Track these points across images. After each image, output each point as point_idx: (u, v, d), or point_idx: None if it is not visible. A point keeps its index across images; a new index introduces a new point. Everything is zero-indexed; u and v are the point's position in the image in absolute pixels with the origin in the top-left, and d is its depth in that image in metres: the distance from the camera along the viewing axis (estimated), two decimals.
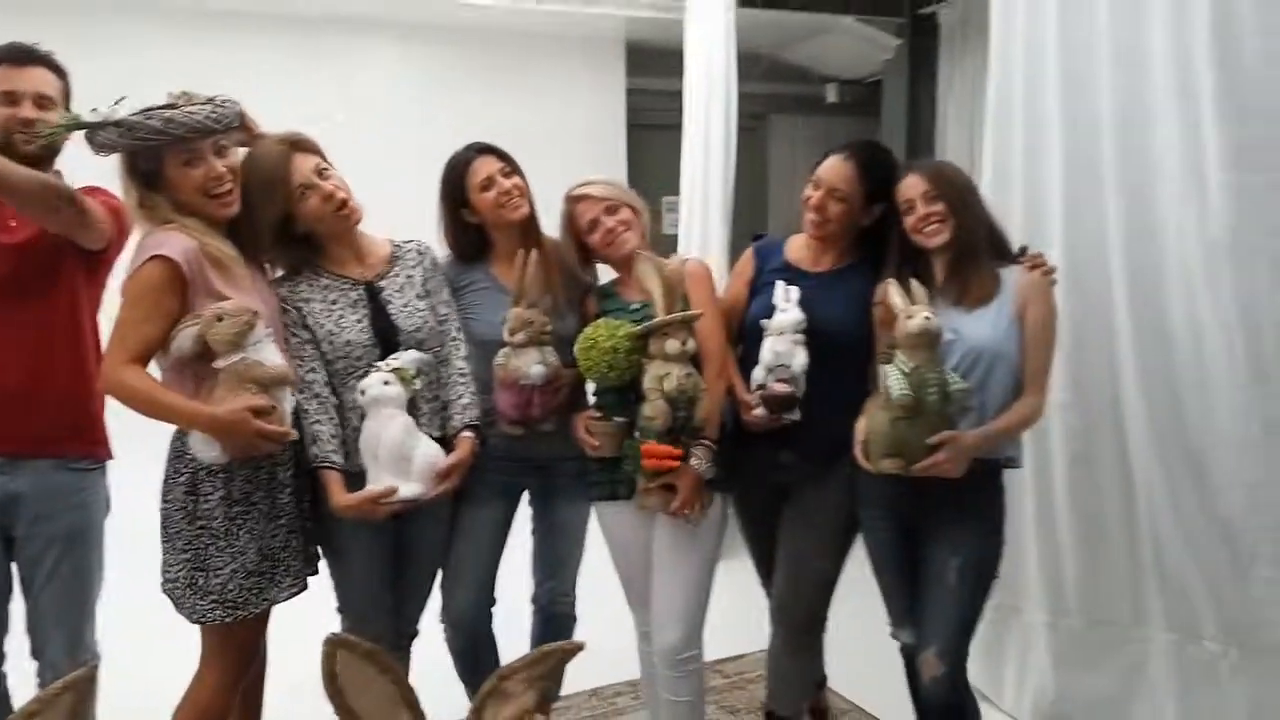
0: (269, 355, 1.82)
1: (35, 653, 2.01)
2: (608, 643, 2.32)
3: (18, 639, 2.04)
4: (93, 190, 1.96)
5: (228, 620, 1.84)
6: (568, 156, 4.70)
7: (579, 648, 1.77)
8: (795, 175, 2.25)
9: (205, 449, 1.77)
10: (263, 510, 1.87)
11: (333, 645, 1.53)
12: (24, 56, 1.94)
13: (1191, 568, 2.27)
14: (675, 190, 4.22)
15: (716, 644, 2.54)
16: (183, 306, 1.78)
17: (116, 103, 1.80)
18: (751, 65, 5.12)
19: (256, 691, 2.15)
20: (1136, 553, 2.38)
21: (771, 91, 5.54)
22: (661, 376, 1.98)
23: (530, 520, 2.34)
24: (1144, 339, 2.29)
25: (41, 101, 1.92)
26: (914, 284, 1.91)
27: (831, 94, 5.54)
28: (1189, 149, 2.15)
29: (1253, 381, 2.11)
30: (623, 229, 2.15)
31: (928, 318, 1.84)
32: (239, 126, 1.93)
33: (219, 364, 1.77)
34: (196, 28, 4.14)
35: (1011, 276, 1.99)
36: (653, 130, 4.95)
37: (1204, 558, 2.25)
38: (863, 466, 1.94)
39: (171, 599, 1.88)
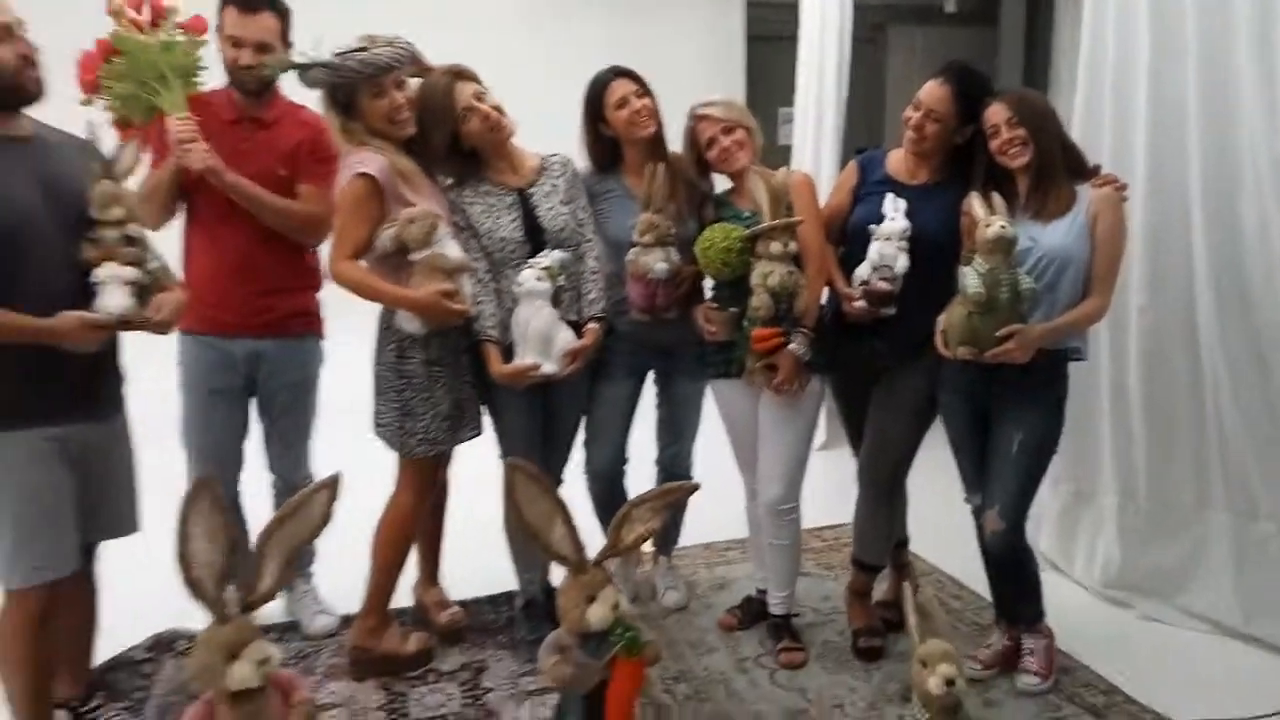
0: (451, 249, 2.26)
1: (271, 468, 2.65)
2: (720, 506, 2.75)
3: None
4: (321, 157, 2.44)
5: (430, 454, 2.36)
6: (689, 69, 4.96)
7: (695, 488, 2.20)
8: (913, 86, 2.46)
9: (409, 323, 2.26)
10: (452, 369, 2.36)
11: (511, 468, 1.99)
12: (252, 3, 2.35)
13: (1250, 454, 2.51)
14: (791, 101, 4.38)
15: (817, 513, 2.93)
16: (382, 211, 2.23)
17: (317, 45, 2.25)
18: None
19: (438, 517, 2.71)
20: (1202, 441, 2.62)
21: (890, 2, 5.61)
22: (766, 274, 2.32)
23: (655, 396, 2.75)
24: (1217, 246, 2.49)
25: (262, 48, 2.35)
26: (995, 197, 2.18)
27: (950, 4, 5.56)
28: (1263, 72, 2.31)
29: None
30: (736, 148, 2.44)
31: (1003, 226, 2.11)
32: (413, 62, 2.34)
33: (413, 257, 2.22)
34: None
35: (1086, 192, 2.23)
36: (771, 41, 5.11)
37: (1263, 445, 2.48)
38: (942, 354, 2.25)
39: (383, 439, 2.41)
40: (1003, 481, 2.29)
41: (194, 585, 1.81)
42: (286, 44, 2.41)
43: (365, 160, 2.23)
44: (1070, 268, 2.21)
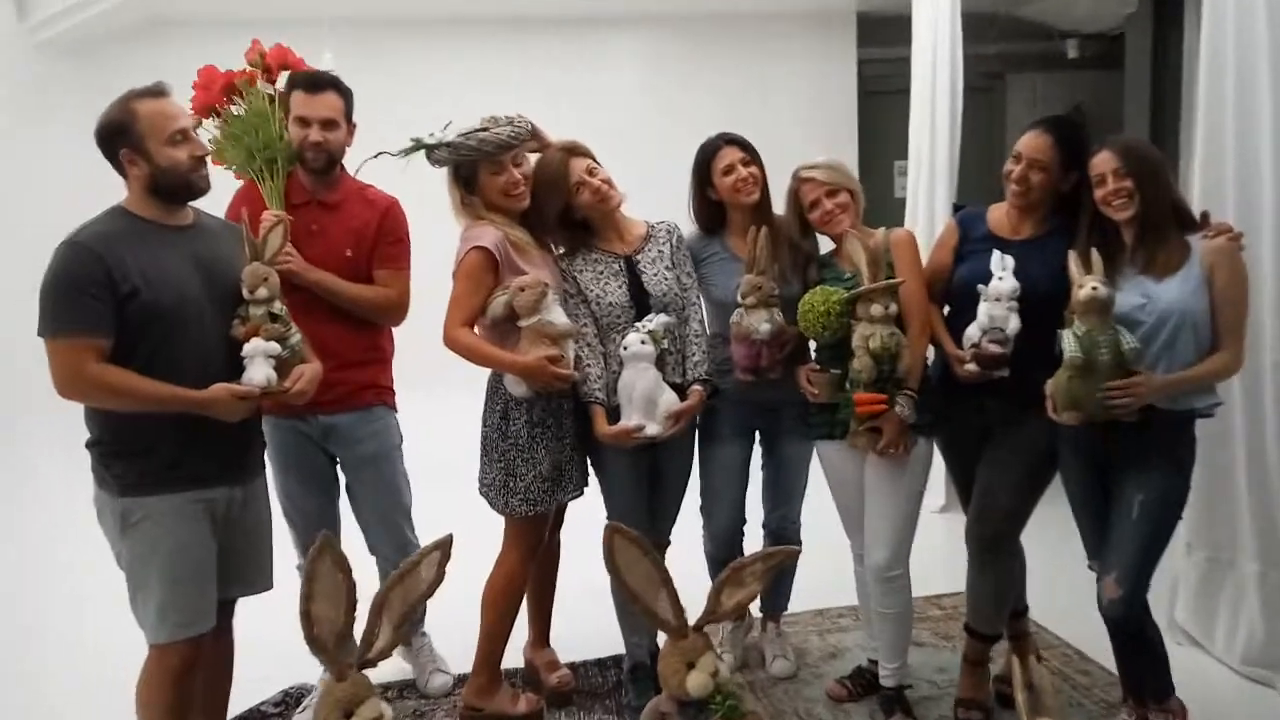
0: (558, 316, 2.36)
1: (371, 549, 2.68)
2: (832, 571, 2.72)
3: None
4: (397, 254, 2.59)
5: (530, 514, 2.45)
6: (804, 126, 5.04)
7: (796, 553, 2.21)
8: None
9: (515, 386, 2.38)
10: (554, 432, 2.45)
11: (610, 531, 2.05)
12: (316, 84, 2.48)
13: None
14: (906, 154, 4.38)
15: (935, 580, 2.86)
16: (496, 281, 2.37)
17: (445, 127, 2.43)
18: (985, 26, 5.17)
19: (549, 579, 2.80)
20: None
21: (1008, 51, 5.52)
22: (867, 336, 2.31)
23: (761, 457, 2.76)
24: None
25: (327, 125, 2.49)
26: (1094, 254, 2.12)
27: (1072, 49, 5.44)
28: None
29: None
30: (839, 211, 2.46)
31: (1095, 287, 2.06)
32: (531, 137, 2.48)
33: (522, 323, 2.34)
34: (461, 38, 4.77)
35: (1199, 244, 2.15)
36: (884, 96, 5.12)
37: None
38: (1052, 419, 2.19)
39: (486, 499, 2.51)
40: (1122, 545, 2.19)
41: (315, 642, 1.93)
42: (350, 123, 2.55)
43: (481, 234, 2.39)
44: (1187, 324, 2.13)
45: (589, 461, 2.60)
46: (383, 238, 2.57)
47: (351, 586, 1.95)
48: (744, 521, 2.72)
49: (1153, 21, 4.68)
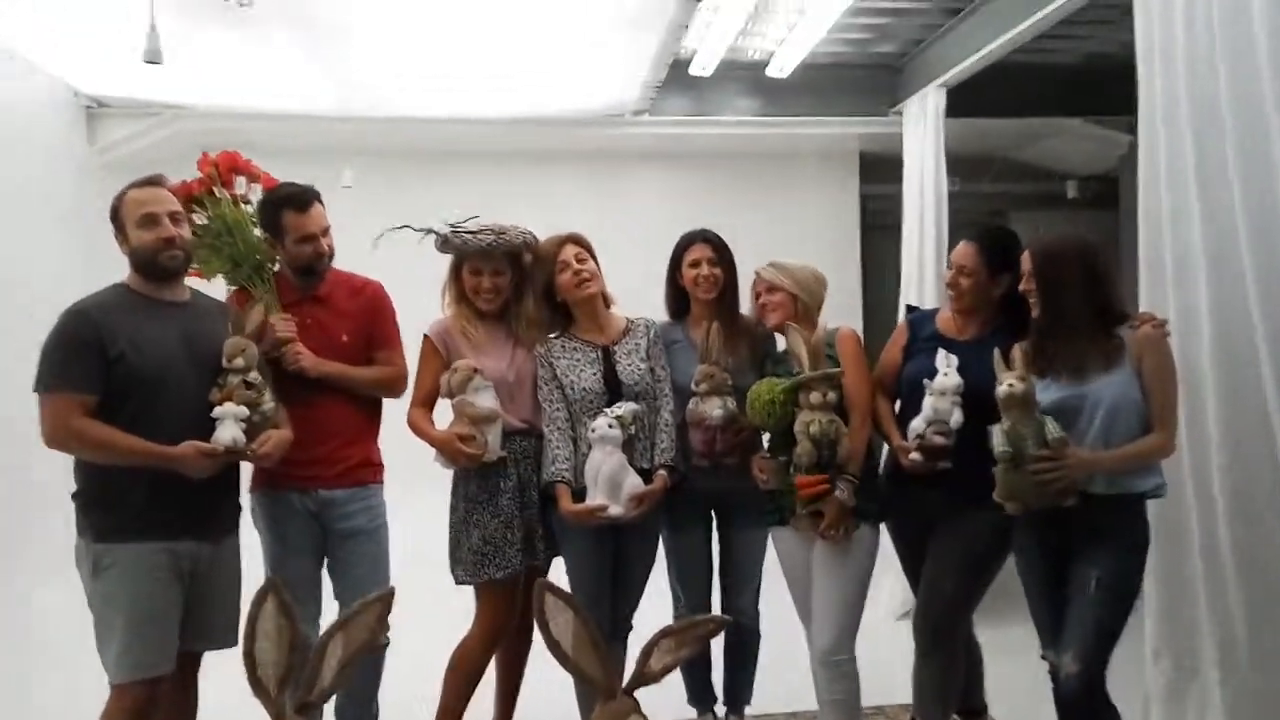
0: (481, 400, 2.58)
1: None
2: (805, 673, 2.71)
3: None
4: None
5: (466, 582, 2.61)
6: (811, 253, 5.23)
7: (725, 622, 2.25)
8: None
9: (437, 460, 2.61)
10: (486, 507, 2.60)
11: (541, 587, 2.13)
12: (303, 200, 2.60)
13: None
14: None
15: (896, 687, 2.83)
16: (447, 362, 2.63)
17: (466, 219, 2.70)
18: (985, 167, 5.45)
19: (517, 663, 2.84)
20: None
21: (1011, 190, 5.76)
22: (808, 422, 2.44)
23: (718, 544, 2.84)
24: None
25: (327, 232, 2.65)
26: (1015, 351, 2.25)
27: (1072, 190, 5.67)
28: None
29: None
30: (773, 308, 2.65)
31: (1010, 384, 2.20)
32: (525, 249, 2.71)
33: (452, 402, 2.58)
34: (491, 167, 5.13)
35: (1127, 335, 2.26)
36: (887, 230, 5.36)
37: None
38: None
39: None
40: (1080, 623, 2.21)
41: (256, 684, 2.02)
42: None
43: (433, 324, 2.71)
44: (1120, 414, 2.22)
45: (555, 540, 2.69)
46: (376, 321, 2.75)
47: (296, 631, 2.05)
48: (710, 600, 2.79)
49: None
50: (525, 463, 2.65)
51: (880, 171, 5.37)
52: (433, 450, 2.63)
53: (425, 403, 2.67)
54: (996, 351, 2.27)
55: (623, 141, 5.18)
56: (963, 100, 4.46)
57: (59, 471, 2.44)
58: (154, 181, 2.37)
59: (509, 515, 2.62)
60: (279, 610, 2.04)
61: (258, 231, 2.68)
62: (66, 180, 4.56)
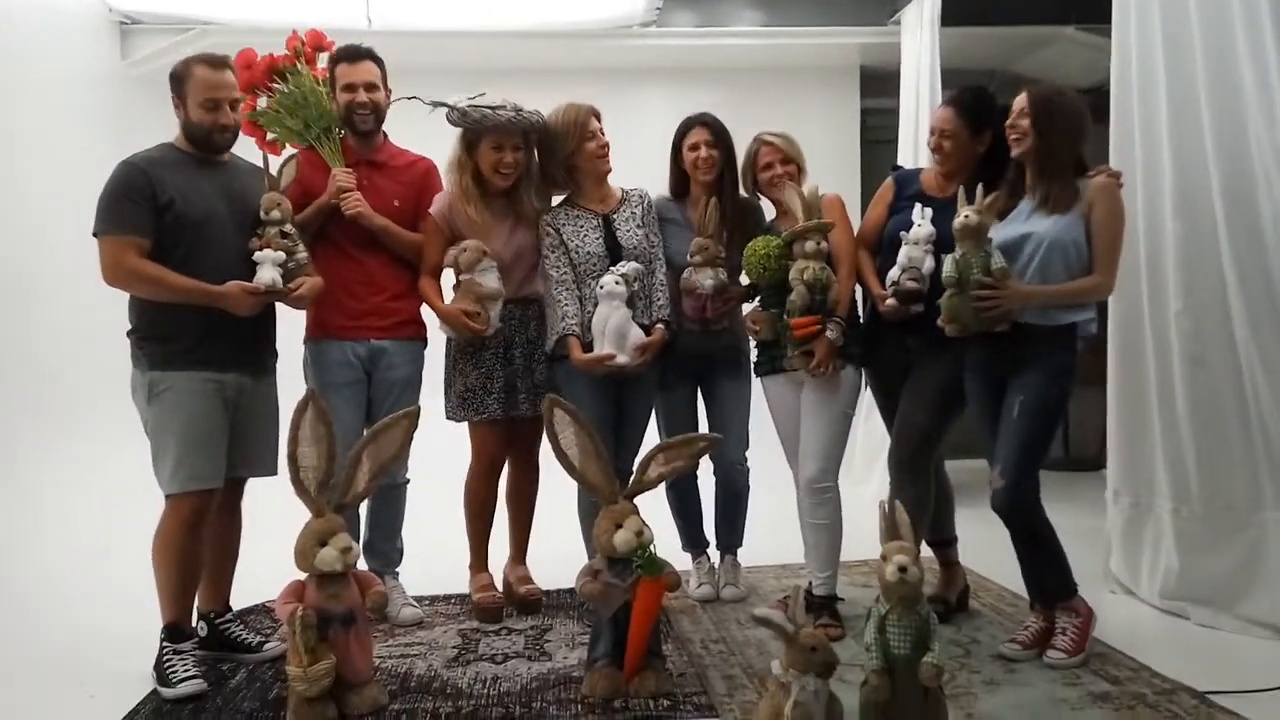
0: (487, 279, 2.81)
1: None
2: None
3: None
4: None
5: (451, 418, 2.93)
6: (812, 169, 5.41)
7: (715, 440, 2.50)
8: None
9: (441, 328, 2.88)
10: (470, 359, 2.89)
11: (550, 403, 2.38)
12: (356, 55, 2.89)
13: None
14: None
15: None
16: (448, 240, 2.86)
17: (476, 95, 2.83)
18: (985, 80, 5.57)
19: (522, 503, 3.11)
20: (1249, 441, 2.65)
21: (1007, 105, 5.88)
22: (802, 269, 2.65)
23: (704, 403, 3.10)
24: (1240, 245, 2.62)
25: (370, 88, 2.87)
26: (978, 190, 2.46)
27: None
28: (1259, 72, 2.54)
29: None
30: (787, 177, 2.83)
31: (967, 215, 2.43)
32: (536, 131, 2.87)
33: (459, 279, 2.81)
34: (504, 84, 5.27)
35: (1084, 184, 2.45)
36: (886, 145, 5.51)
37: None
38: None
39: None
40: (1006, 442, 2.44)
41: (298, 484, 2.28)
42: (387, 87, 2.96)
43: (438, 200, 2.92)
44: (1058, 251, 2.42)
45: (537, 395, 2.86)
46: (425, 193, 2.98)
47: (333, 437, 2.31)
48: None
49: None
50: (510, 323, 2.89)
51: (880, 85, 5.51)
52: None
53: (433, 273, 2.91)
54: (961, 187, 2.48)
55: (630, 55, 5.32)
56: (959, 7, 4.60)
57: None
58: (223, 64, 2.56)
59: (490, 368, 2.89)
60: (318, 418, 2.30)
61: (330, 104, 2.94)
62: (99, 94, 4.78)
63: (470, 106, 2.82)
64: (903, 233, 2.66)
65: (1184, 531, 2.79)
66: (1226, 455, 2.70)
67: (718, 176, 2.97)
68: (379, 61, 2.95)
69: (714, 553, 3.22)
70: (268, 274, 2.53)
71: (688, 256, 2.89)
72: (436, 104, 2.86)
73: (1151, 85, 2.89)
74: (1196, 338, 2.74)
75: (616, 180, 3.01)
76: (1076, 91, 5.58)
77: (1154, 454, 2.88)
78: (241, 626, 2.73)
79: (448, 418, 2.94)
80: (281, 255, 2.56)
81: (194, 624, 2.61)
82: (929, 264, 2.61)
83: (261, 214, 2.58)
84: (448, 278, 2.95)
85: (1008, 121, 2.51)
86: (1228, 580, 2.68)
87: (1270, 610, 2.57)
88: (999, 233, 2.49)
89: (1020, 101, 2.49)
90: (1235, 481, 2.69)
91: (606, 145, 2.90)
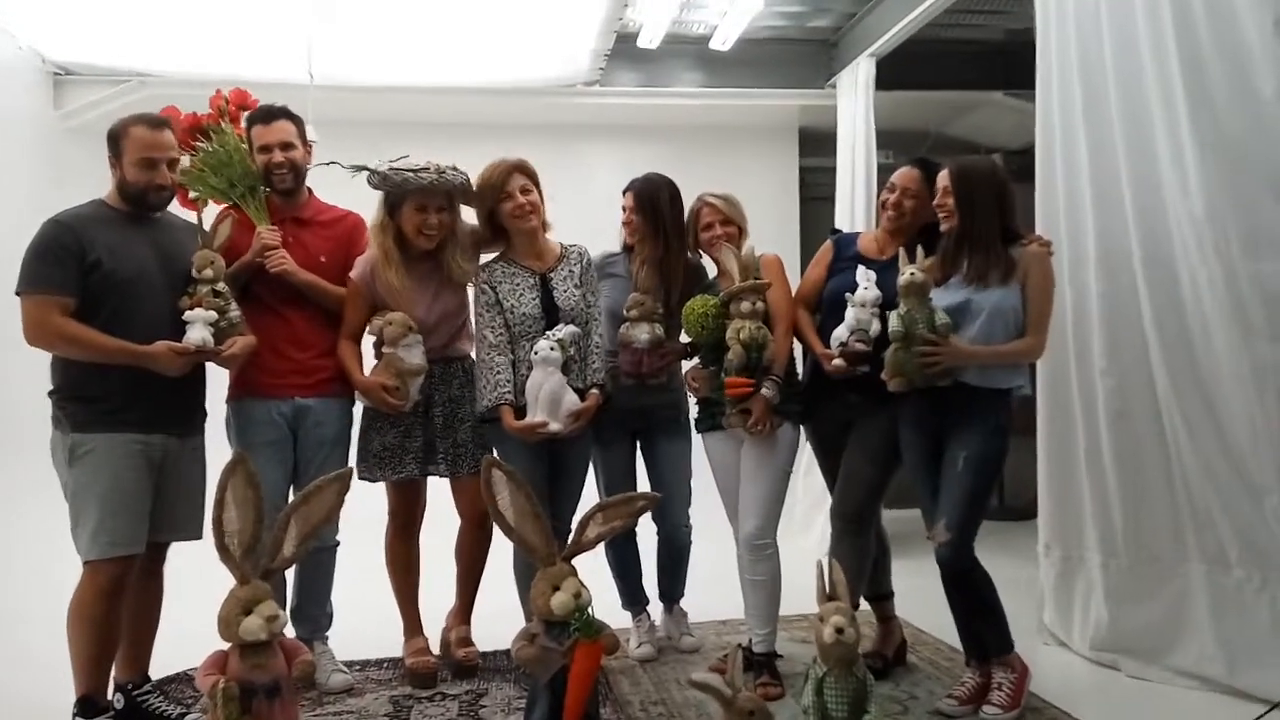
0: (411, 355, 2.77)
1: None
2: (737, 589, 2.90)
3: None
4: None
5: (365, 479, 2.84)
6: (752, 226, 5.50)
7: (655, 499, 2.49)
8: None
9: (360, 396, 2.85)
10: (388, 417, 2.84)
11: (488, 464, 2.35)
12: (270, 115, 2.86)
13: (1215, 503, 2.59)
14: None
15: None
16: (372, 303, 2.82)
17: (399, 159, 2.80)
18: (920, 140, 5.75)
19: (474, 564, 3.00)
20: (1172, 494, 2.72)
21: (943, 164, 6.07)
22: (739, 329, 2.67)
23: (644, 461, 3.11)
24: (1161, 308, 2.71)
25: (286, 147, 2.84)
26: (919, 251, 2.52)
27: (998, 163, 5.97)
28: (1173, 143, 2.65)
29: (1242, 333, 2.50)
30: (726, 238, 2.87)
31: (912, 273, 2.48)
32: (463, 191, 2.85)
33: (384, 350, 2.78)
34: (451, 139, 5.28)
35: (1017, 252, 2.53)
36: (824, 201, 5.64)
37: (1225, 493, 2.57)
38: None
39: None
40: (949, 495, 2.48)
41: (223, 549, 2.21)
42: (306, 144, 2.95)
43: (359, 263, 2.85)
44: (999, 319, 2.49)
45: (459, 457, 2.87)
46: (352, 248, 2.95)
47: (260, 501, 2.25)
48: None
49: None
50: (429, 381, 2.84)
51: (818, 145, 5.66)
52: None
53: (352, 337, 2.86)
54: (903, 249, 2.54)
55: (574, 113, 5.40)
56: (893, 74, 4.77)
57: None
58: (162, 124, 2.54)
59: (409, 426, 2.85)
60: (246, 481, 2.23)
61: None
62: (32, 145, 4.70)
63: (391, 170, 2.77)
64: (848, 294, 2.69)
65: (1113, 583, 2.85)
66: (1151, 508, 2.77)
67: (649, 238, 2.99)
68: (295, 119, 2.92)
69: (655, 609, 3.20)
70: (197, 334, 2.48)
71: (625, 310, 2.91)
72: (358, 168, 2.84)
73: (1073, 151, 3.01)
74: (1120, 394, 2.82)
75: (562, 235, 2.99)
76: (1006, 154, 6.00)
77: (1082, 508, 2.94)
78: (161, 698, 2.62)
79: (360, 477, 2.81)
80: (213, 314, 2.52)
81: (110, 696, 2.50)
82: (875, 327, 2.65)
83: (194, 272, 2.54)
84: (368, 340, 2.90)
85: (935, 200, 2.58)
86: (1156, 631, 2.74)
87: (1196, 661, 2.62)
88: (943, 298, 2.55)
89: (943, 179, 2.57)
90: (1160, 534, 2.76)
91: (526, 204, 2.81)
